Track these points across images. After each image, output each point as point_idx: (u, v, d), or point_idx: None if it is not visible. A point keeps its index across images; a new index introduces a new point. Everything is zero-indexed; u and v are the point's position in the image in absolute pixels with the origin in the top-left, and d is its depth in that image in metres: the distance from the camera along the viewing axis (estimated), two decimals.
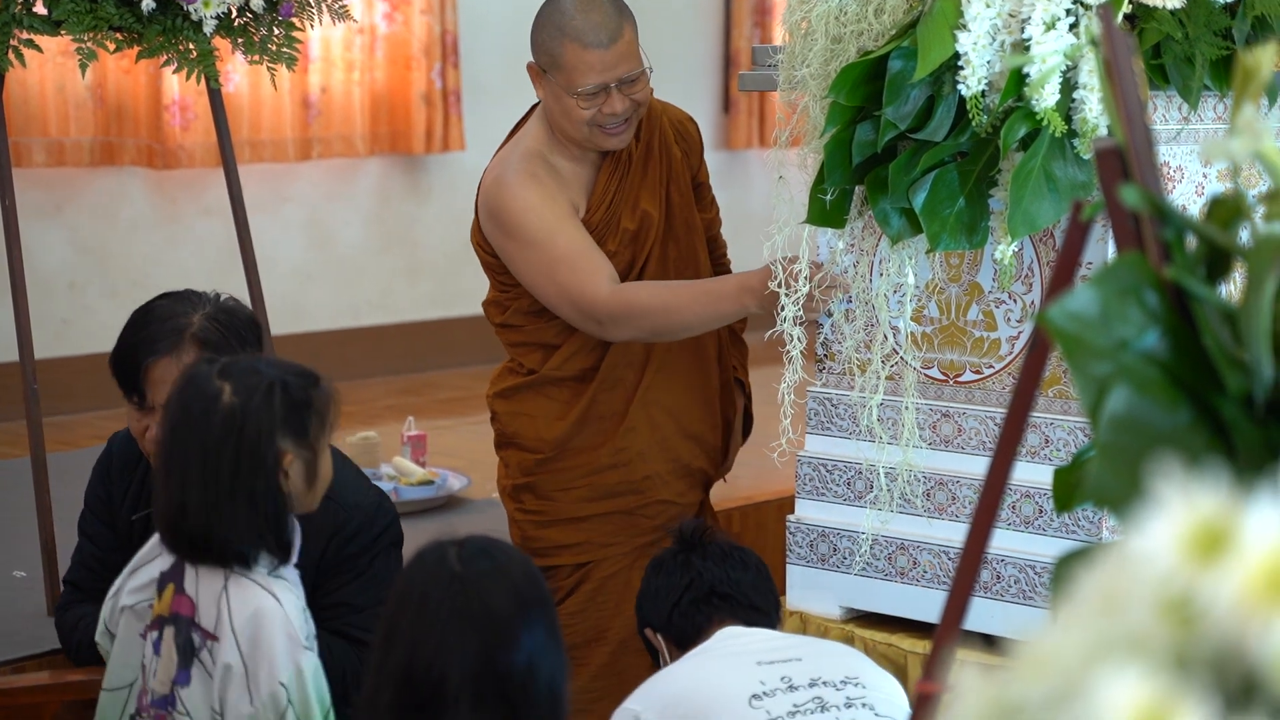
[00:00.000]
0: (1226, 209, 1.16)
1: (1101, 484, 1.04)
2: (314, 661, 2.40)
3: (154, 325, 2.88)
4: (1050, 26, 2.61)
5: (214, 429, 2.37)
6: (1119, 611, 0.52)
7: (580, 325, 3.40)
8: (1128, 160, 1.20)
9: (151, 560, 2.55)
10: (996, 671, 0.55)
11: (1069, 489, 1.38)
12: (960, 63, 2.66)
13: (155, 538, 2.54)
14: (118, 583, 2.63)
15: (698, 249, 3.56)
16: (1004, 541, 2.96)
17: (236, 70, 6.21)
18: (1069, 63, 2.59)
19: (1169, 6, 2.69)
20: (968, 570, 1.48)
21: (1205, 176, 2.97)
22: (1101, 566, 0.56)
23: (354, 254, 6.80)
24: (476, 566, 2.03)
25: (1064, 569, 1.08)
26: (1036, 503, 2.98)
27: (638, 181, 3.48)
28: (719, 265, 3.69)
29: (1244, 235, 1.16)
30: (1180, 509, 0.53)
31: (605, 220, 3.44)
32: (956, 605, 1.49)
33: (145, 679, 2.50)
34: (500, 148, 3.57)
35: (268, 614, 2.38)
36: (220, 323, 2.88)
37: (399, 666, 2.01)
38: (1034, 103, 2.59)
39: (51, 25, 3.66)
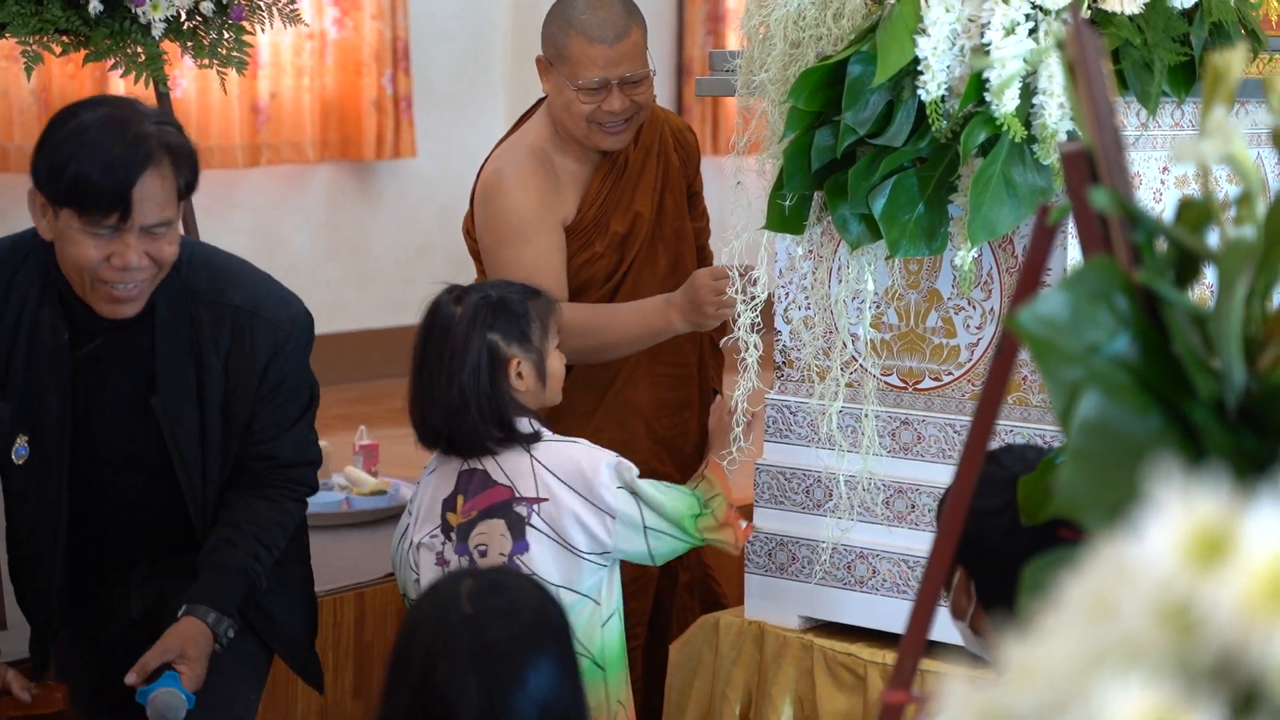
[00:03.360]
0: (1196, 212, 1.16)
1: (1073, 491, 1.04)
2: (632, 466, 2.91)
3: (123, 137, 2.68)
4: (1010, 31, 2.62)
5: (448, 342, 2.85)
6: (1112, 618, 0.52)
7: None
8: (1096, 163, 1.20)
9: (424, 502, 2.97)
10: (981, 681, 0.54)
11: (1037, 497, 1.38)
12: (920, 67, 2.66)
13: (416, 489, 3.01)
14: (401, 531, 3.03)
15: (686, 257, 3.60)
16: None
17: (184, 75, 6.17)
18: (1029, 68, 2.60)
19: (1127, 12, 2.70)
20: (933, 578, 1.48)
21: (1163, 183, 2.98)
22: (1089, 572, 0.55)
23: (304, 261, 6.76)
24: (486, 603, 2.03)
25: (1035, 575, 1.07)
26: None
27: (633, 183, 3.53)
28: None
29: (1212, 239, 1.16)
30: (1178, 513, 0.52)
31: (595, 221, 3.51)
32: (922, 614, 1.49)
33: None
34: (504, 139, 3.60)
35: (580, 452, 2.90)
36: (171, 125, 2.78)
37: (407, 699, 2.00)
38: (994, 108, 2.59)
39: None
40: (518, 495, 2.88)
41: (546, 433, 2.93)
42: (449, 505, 2.94)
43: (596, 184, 3.51)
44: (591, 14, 3.39)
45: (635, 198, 3.53)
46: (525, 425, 2.89)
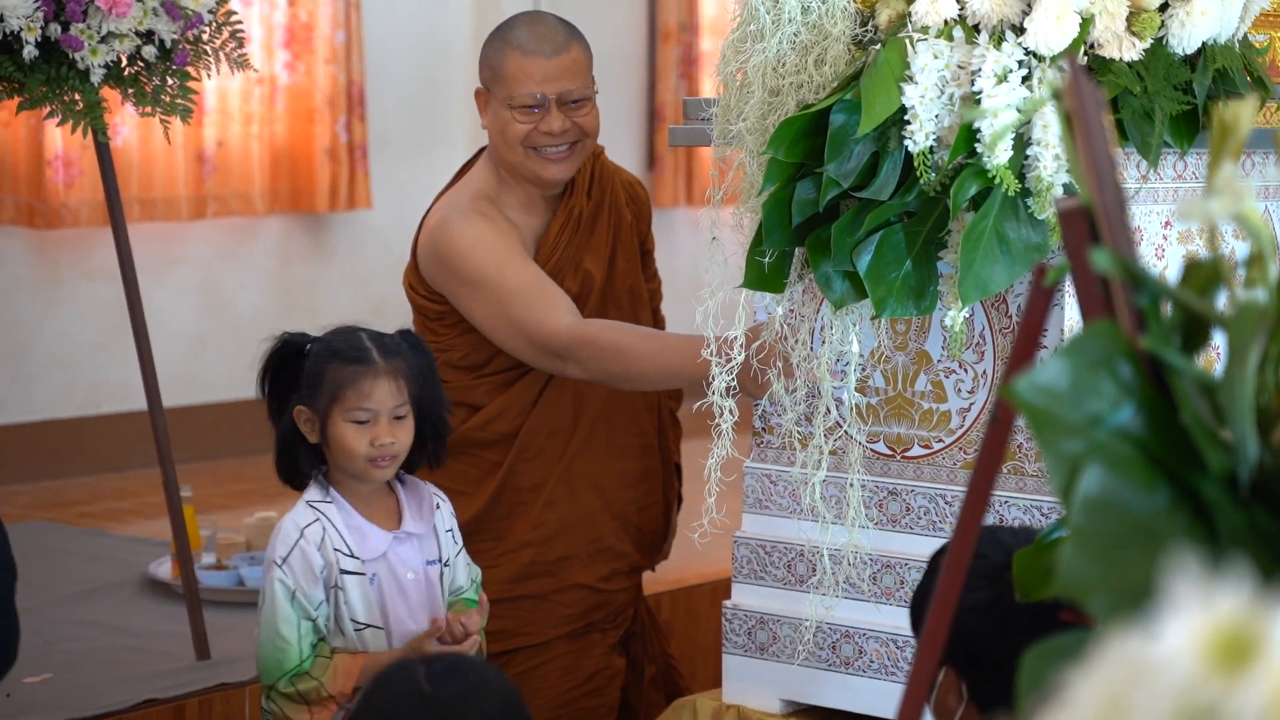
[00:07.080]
0: (1203, 273, 1.15)
1: (1075, 572, 1.02)
2: (283, 581, 2.90)
3: None
4: (1002, 79, 2.62)
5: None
6: None
7: (537, 363, 3.38)
8: (1096, 220, 1.20)
9: None
10: None
11: (1034, 575, 1.37)
12: (907, 117, 2.66)
13: None
14: None
15: (641, 320, 3.54)
16: None
17: (126, 123, 6.16)
18: (1023, 118, 2.60)
19: (1127, 59, 2.71)
20: (926, 660, 1.46)
21: (1165, 239, 2.99)
22: (1098, 668, 0.54)
23: (252, 319, 6.74)
24: (449, 688, 2.01)
25: (1037, 664, 1.06)
26: None
27: (584, 241, 3.49)
28: None
29: (1221, 302, 1.15)
30: (1198, 610, 0.51)
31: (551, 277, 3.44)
32: (914, 698, 1.47)
33: None
34: (443, 192, 3.56)
35: (276, 525, 3.01)
36: None
37: None
38: (985, 160, 2.59)
39: None
40: None
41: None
42: None
43: (552, 237, 3.46)
44: (529, 29, 3.40)
45: (585, 256, 3.49)
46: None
